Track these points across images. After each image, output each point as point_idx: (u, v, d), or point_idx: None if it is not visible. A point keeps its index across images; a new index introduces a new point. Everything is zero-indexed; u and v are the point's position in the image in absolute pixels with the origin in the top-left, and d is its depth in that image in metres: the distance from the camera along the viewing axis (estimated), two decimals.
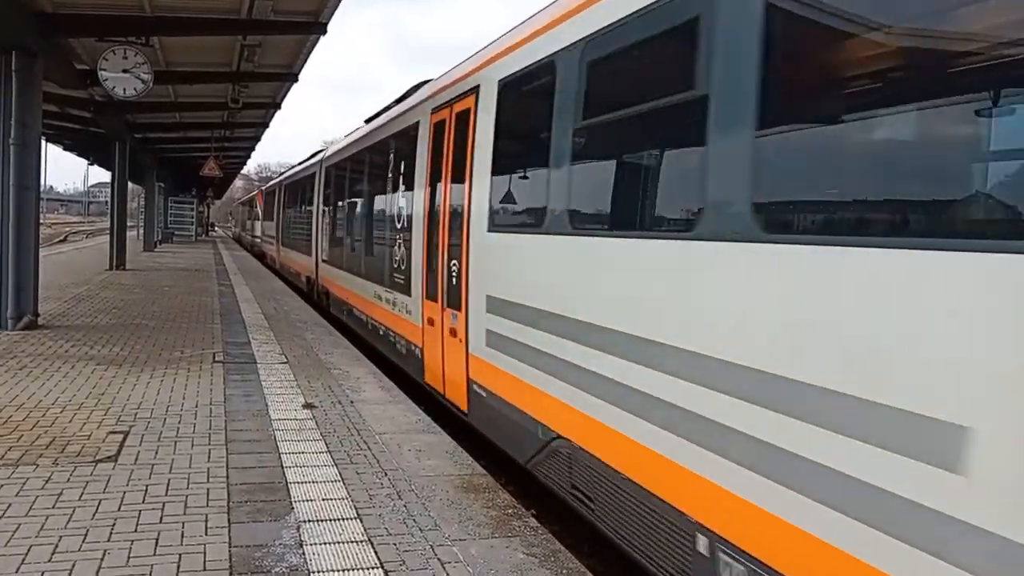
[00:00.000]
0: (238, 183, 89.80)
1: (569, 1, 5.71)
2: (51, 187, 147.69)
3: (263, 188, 42.60)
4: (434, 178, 8.77)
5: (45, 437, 6.32)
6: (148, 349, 10.49)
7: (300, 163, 25.82)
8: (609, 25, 5.05)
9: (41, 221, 13.72)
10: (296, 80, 18.03)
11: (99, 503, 4.98)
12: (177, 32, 13.73)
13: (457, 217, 7.79)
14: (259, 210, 41.56)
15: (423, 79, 11.26)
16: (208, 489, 5.30)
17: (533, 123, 6.46)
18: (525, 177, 6.59)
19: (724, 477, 3.68)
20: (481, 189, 7.16)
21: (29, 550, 4.24)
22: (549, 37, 5.96)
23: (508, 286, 6.51)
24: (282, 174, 33.48)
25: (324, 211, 17.88)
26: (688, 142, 4.34)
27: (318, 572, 4.16)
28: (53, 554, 4.21)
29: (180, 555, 4.27)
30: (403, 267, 9.90)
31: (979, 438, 2.57)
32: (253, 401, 7.88)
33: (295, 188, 24.40)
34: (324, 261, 17.49)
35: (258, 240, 41.52)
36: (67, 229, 70.77)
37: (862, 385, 2.97)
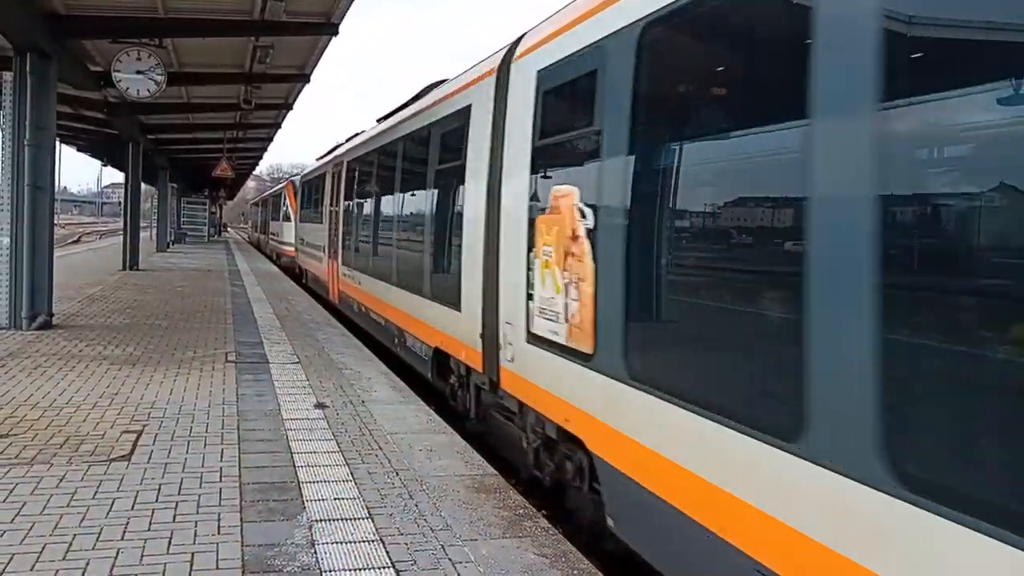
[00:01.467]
0: (250, 184, 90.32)
1: None
2: (65, 188, 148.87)
3: (298, 176, 31.05)
4: None
5: (59, 436, 6.37)
6: (161, 349, 10.54)
7: (385, 117, 14.34)
8: None
9: (55, 222, 13.81)
10: (308, 81, 18.06)
11: (113, 502, 5.01)
12: (190, 34, 13.77)
13: None
14: (289, 208, 30.63)
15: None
16: (221, 488, 5.33)
17: None
18: None
19: None
20: None
21: (43, 548, 4.27)
22: None
23: None
24: (333, 150, 21.56)
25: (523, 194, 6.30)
26: None
27: (330, 571, 4.16)
28: (67, 552, 4.24)
29: (193, 554, 4.29)
30: None
31: None
32: (265, 401, 7.90)
33: (378, 161, 13.22)
34: (510, 324, 6.46)
35: (289, 250, 29.75)
36: (80, 230, 71.24)
37: None
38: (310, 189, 23.71)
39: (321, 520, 4.85)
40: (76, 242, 50.30)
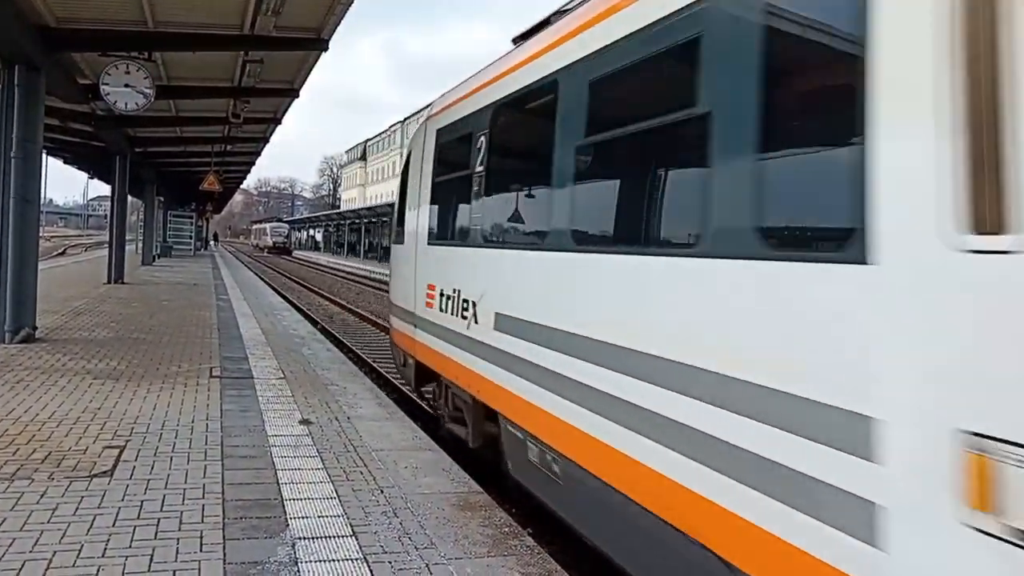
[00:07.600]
0: (238, 198, 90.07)
1: None
2: (51, 200, 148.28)
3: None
4: None
5: (41, 451, 6.31)
6: (145, 363, 10.47)
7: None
8: None
9: (40, 234, 13.73)
10: (297, 96, 18.12)
11: (94, 518, 4.96)
12: (180, 48, 13.81)
13: None
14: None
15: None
16: (203, 505, 5.29)
17: None
18: None
19: None
20: None
21: (23, 565, 4.22)
22: None
23: None
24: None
25: None
26: None
27: None
28: (47, 570, 4.19)
29: (175, 572, 4.25)
30: None
31: None
32: (250, 417, 7.86)
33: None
34: None
35: None
36: (66, 242, 70.83)
37: None
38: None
39: (305, 538, 4.82)
40: (61, 254, 50.01)
